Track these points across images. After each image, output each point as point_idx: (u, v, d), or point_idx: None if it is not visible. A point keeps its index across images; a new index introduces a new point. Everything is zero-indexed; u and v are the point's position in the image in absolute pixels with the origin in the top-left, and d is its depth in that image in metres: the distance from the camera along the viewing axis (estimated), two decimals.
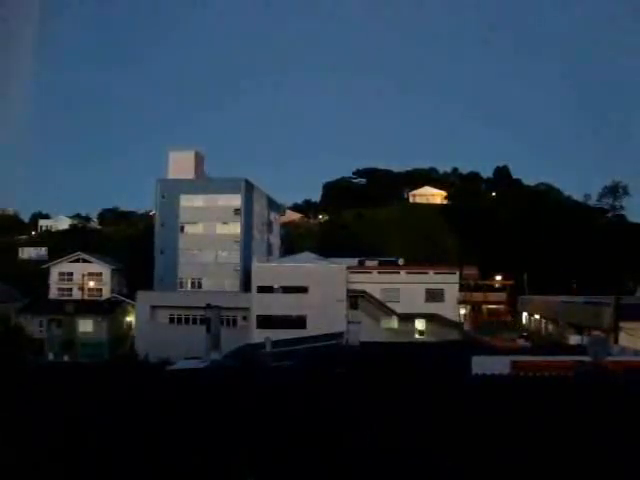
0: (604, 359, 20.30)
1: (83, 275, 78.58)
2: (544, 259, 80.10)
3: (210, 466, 10.93)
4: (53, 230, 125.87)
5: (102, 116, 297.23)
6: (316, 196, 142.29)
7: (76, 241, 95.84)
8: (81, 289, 77.74)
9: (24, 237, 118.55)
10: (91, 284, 79.46)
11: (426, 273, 61.53)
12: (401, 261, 68.94)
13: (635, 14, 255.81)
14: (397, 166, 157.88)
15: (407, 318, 59.52)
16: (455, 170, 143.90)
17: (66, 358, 63.22)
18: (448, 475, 10.15)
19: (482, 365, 20.10)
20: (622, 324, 36.51)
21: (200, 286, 67.68)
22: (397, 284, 60.50)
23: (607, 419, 12.92)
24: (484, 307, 68.62)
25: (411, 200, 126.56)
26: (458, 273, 62.28)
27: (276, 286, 59.18)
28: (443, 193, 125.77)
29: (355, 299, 59.81)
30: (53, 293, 79.90)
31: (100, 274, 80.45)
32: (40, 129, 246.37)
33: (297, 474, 10.45)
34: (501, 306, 68.68)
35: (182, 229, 69.38)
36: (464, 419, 13.34)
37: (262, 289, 58.95)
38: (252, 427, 13.14)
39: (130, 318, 71.52)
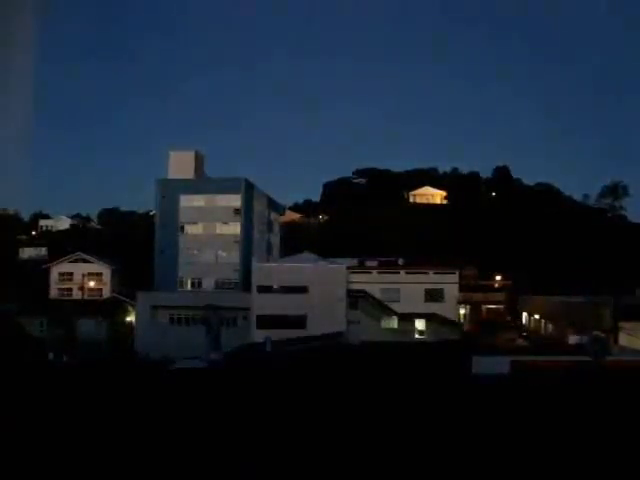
0: (604, 359, 20.32)
1: (83, 275, 78.54)
2: (543, 259, 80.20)
3: (211, 459, 10.97)
4: (53, 230, 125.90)
5: (102, 116, 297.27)
6: (316, 196, 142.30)
7: (76, 241, 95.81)
8: (81, 289, 77.69)
9: (24, 237, 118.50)
10: (91, 284, 79.41)
11: (426, 273, 61.54)
12: (401, 261, 68.92)
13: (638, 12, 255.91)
14: (397, 166, 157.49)
15: (407, 318, 59.53)
16: (455, 170, 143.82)
17: (66, 358, 63.10)
18: (449, 474, 10.18)
19: (482, 365, 20.14)
20: (622, 324, 36.58)
21: (200, 286, 67.63)
22: (397, 284, 60.50)
23: (606, 418, 12.95)
24: (484, 307, 68.66)
25: (411, 200, 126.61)
26: (458, 273, 62.28)
27: (276, 286, 59.16)
28: (443, 193, 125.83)
29: (355, 299, 59.75)
30: (53, 293, 79.89)
31: (100, 274, 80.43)
32: (40, 129, 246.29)
33: (295, 467, 10.49)
34: (501, 306, 68.74)
35: (182, 229, 69.30)
36: (464, 418, 13.37)
37: (262, 289, 58.92)
38: (252, 422, 13.18)
39: (130, 318, 71.44)
